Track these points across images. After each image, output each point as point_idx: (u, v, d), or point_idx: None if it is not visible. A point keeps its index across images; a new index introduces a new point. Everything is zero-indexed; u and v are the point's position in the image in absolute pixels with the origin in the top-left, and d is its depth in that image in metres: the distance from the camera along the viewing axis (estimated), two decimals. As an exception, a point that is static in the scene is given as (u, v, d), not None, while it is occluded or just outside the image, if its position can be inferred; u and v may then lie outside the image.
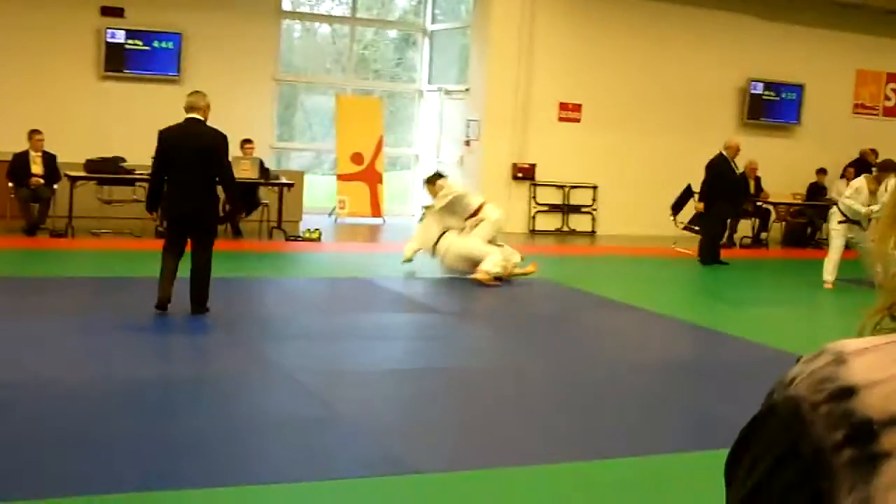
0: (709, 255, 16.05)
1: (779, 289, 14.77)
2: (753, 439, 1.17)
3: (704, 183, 16.38)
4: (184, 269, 9.82)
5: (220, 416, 6.71)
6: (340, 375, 8.07)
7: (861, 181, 13.88)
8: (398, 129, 23.59)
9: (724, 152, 16.42)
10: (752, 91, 21.13)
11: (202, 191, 9.66)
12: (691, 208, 17.17)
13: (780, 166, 19.82)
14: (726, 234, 17.61)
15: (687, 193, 17.37)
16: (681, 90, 20.46)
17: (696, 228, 16.70)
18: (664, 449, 6.55)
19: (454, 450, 6.38)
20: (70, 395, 7.02)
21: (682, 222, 17.39)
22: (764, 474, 1.13)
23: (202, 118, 9.74)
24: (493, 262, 12.55)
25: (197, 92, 10.00)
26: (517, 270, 13.01)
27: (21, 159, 15.06)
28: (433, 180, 13.55)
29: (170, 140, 9.69)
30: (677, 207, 17.54)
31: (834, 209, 14.22)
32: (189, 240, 9.87)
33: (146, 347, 8.78)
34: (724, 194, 16.14)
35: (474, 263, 12.61)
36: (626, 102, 20.06)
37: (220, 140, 9.73)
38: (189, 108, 9.71)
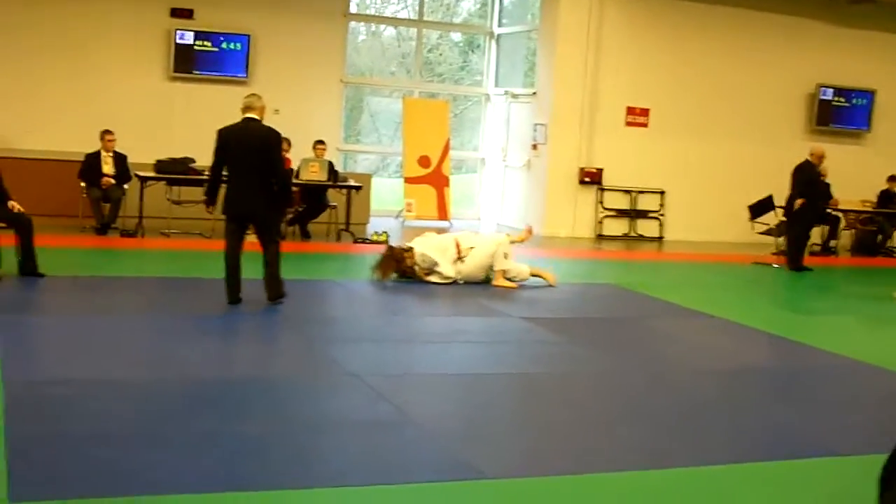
0: (795, 261, 15.98)
1: (848, 297, 14.60)
2: None
3: (792, 188, 16.24)
4: (252, 271, 9.92)
5: (288, 417, 6.73)
6: (409, 378, 8.08)
7: None
8: (463, 133, 23.61)
9: (810, 158, 16.26)
10: (822, 97, 20.88)
11: (258, 187, 10.13)
12: (771, 216, 17.07)
13: (849, 173, 19.55)
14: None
15: (769, 203, 17.19)
16: (749, 95, 20.30)
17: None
18: (737, 458, 6.47)
19: (523, 455, 6.35)
20: (138, 393, 7.08)
21: (765, 223, 17.19)
22: None
23: (258, 118, 10.25)
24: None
25: (253, 94, 10.63)
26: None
27: (93, 160, 15.23)
28: (399, 258, 12.51)
29: (227, 137, 10.23)
30: (756, 210, 17.37)
31: None
32: (256, 236, 10.34)
33: (214, 347, 8.84)
34: (811, 200, 16.03)
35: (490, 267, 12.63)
36: (694, 107, 19.93)
37: (273, 137, 10.28)
38: (246, 108, 10.31)
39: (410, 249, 12.47)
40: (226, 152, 10.21)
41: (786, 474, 6.26)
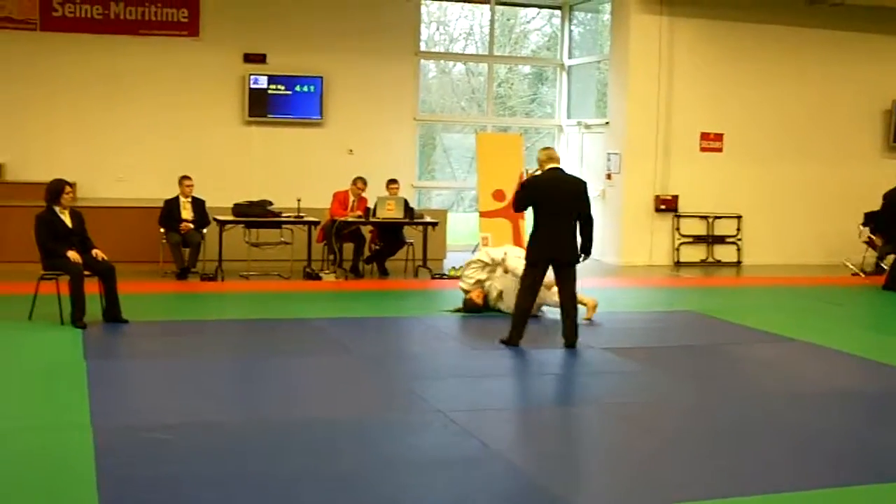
0: (890, 282, 15.81)
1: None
2: None
3: (883, 211, 16.04)
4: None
5: (373, 455, 6.72)
6: (493, 413, 8.05)
7: None
8: (537, 165, 23.57)
9: None
10: (899, 113, 20.65)
11: (572, 232, 10.67)
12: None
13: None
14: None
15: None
16: (823, 116, 20.11)
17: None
18: (833, 482, 6.37)
19: (613, 489, 6.29)
20: (228, 435, 7.12)
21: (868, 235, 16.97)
22: None
23: (561, 167, 10.93)
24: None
25: (549, 147, 11.30)
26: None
27: (172, 205, 15.39)
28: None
29: (541, 187, 10.73)
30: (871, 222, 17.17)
31: None
32: (556, 281, 10.81)
33: (298, 388, 8.88)
34: None
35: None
36: (768, 130, 19.78)
37: (584, 183, 10.92)
38: (549, 160, 10.85)
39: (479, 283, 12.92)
40: (537, 200, 10.67)
41: (884, 499, 6.15)
